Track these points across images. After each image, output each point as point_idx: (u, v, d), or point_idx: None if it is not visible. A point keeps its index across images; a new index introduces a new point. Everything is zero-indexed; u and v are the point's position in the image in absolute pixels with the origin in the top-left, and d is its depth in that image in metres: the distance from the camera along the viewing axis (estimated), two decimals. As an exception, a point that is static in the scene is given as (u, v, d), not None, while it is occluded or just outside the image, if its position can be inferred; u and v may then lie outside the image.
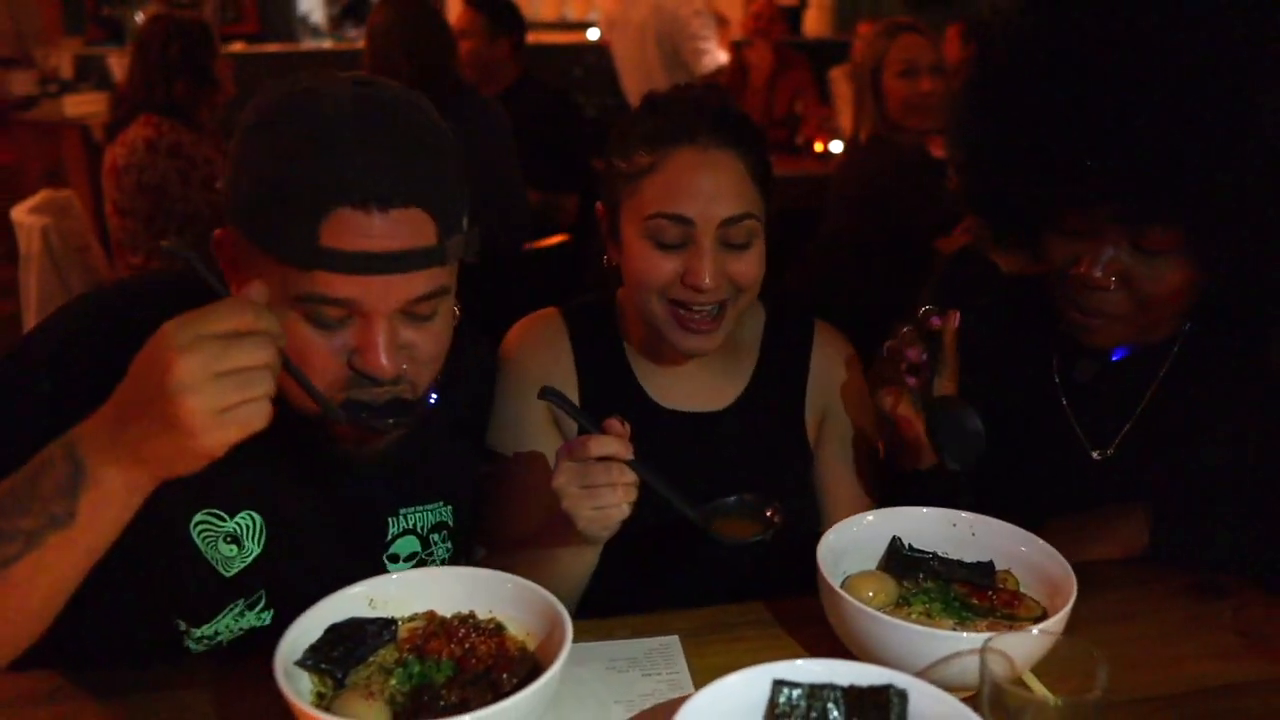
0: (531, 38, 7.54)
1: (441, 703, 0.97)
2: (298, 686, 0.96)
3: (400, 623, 1.08)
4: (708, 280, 1.26)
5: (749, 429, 1.46)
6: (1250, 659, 1.18)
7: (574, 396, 1.42)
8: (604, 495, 1.12)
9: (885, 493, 1.47)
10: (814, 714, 0.92)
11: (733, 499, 1.24)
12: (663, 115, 1.32)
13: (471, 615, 1.10)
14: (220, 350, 0.85)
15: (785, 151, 5.38)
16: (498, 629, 1.09)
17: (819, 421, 1.48)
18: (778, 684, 0.94)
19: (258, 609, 1.18)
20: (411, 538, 1.28)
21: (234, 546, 1.15)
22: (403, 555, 1.28)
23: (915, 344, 1.23)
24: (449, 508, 1.32)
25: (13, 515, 0.91)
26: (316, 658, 1.01)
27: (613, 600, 1.26)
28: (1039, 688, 0.98)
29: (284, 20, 8.13)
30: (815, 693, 0.93)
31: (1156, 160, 1.11)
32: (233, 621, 1.17)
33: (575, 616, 1.08)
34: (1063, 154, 1.17)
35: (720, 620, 1.25)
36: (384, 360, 1.02)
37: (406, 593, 1.10)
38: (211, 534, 1.14)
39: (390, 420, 1.07)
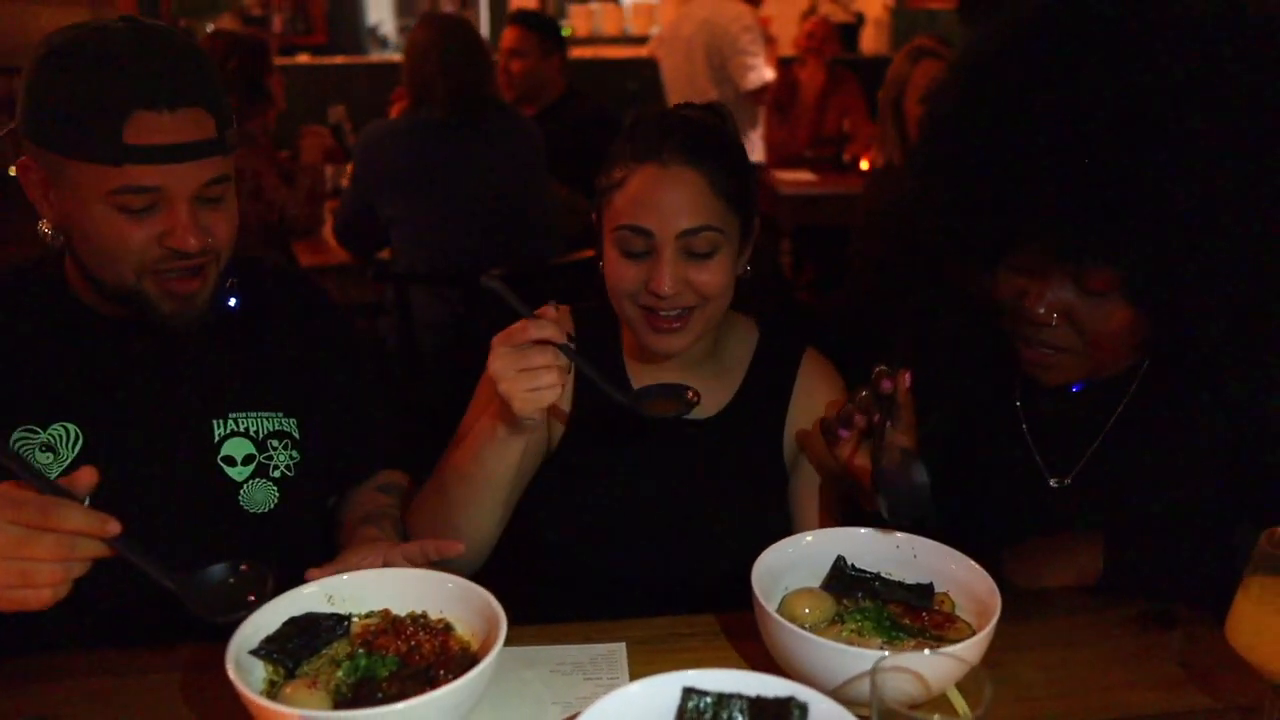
0: (591, 52, 7.64)
1: (380, 694, 1.03)
2: (250, 674, 1.04)
3: (356, 619, 1.16)
4: (667, 287, 1.34)
5: (731, 440, 1.51)
6: (1190, 691, 1.20)
7: (569, 392, 1.51)
8: (540, 376, 1.21)
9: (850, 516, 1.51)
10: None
11: (654, 385, 1.36)
12: (638, 134, 1.40)
13: (424, 615, 1.17)
14: (20, 538, 0.99)
15: (833, 169, 5.40)
16: (446, 629, 1.15)
17: (798, 444, 1.53)
18: (687, 691, 0.98)
19: None
20: (243, 440, 1.39)
21: (50, 455, 1.28)
22: (238, 458, 1.38)
23: (867, 409, 1.27)
24: (292, 420, 1.44)
25: None
26: (271, 647, 1.08)
27: (568, 610, 1.32)
28: (962, 706, 1.01)
29: (352, 32, 8.36)
30: (722, 701, 0.97)
31: (1092, 203, 1.14)
32: None
33: (530, 621, 1.14)
34: (1006, 194, 1.20)
35: (669, 631, 1.30)
36: (191, 239, 1.23)
37: (363, 591, 1.18)
38: (27, 447, 1.28)
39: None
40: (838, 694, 1.02)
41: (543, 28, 3.98)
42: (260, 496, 1.39)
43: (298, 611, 1.13)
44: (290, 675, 1.07)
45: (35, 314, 1.34)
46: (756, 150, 4.98)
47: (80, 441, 1.30)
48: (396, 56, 8.62)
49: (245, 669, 1.03)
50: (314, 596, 1.15)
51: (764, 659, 1.19)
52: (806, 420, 1.52)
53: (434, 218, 2.97)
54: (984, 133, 1.22)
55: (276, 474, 1.41)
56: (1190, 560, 1.30)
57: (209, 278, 1.30)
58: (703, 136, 1.40)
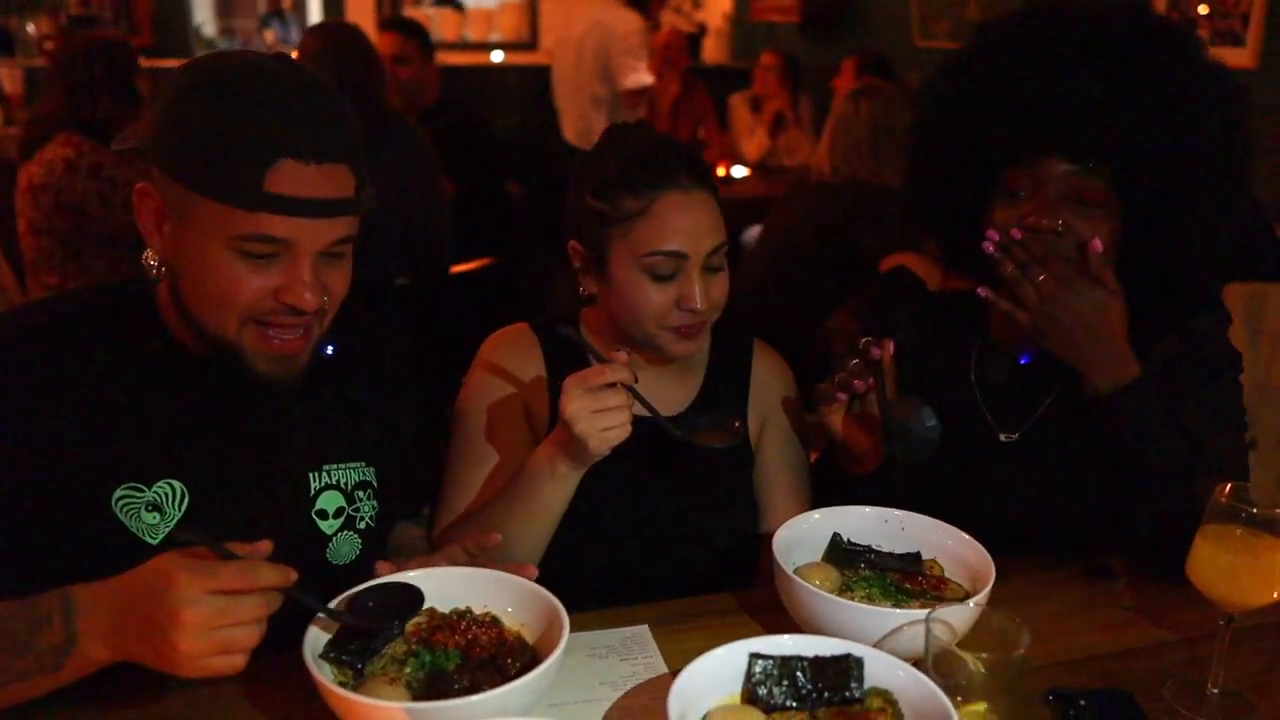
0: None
1: (455, 685, 1.08)
2: (323, 676, 1.07)
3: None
4: (701, 304, 1.43)
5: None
6: (1140, 629, 1.38)
7: (545, 403, 1.57)
8: (612, 417, 1.30)
9: (817, 492, 1.65)
10: (785, 681, 1.07)
11: (702, 417, 1.47)
12: (641, 161, 1.45)
13: (469, 610, 1.22)
14: (222, 607, 0.98)
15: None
16: (494, 622, 1.21)
17: (759, 429, 1.65)
18: (754, 656, 1.08)
19: None
20: (336, 493, 1.37)
21: (156, 514, 1.22)
22: (330, 511, 1.36)
23: (862, 375, 1.42)
24: (371, 469, 1.42)
25: (11, 654, 1.04)
26: (337, 650, 1.11)
27: (580, 599, 1.39)
28: (970, 657, 1.15)
29: (180, 33, 8.00)
30: (785, 663, 1.08)
31: (1096, 109, 1.37)
32: None
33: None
34: (1025, 106, 1.41)
35: (684, 611, 1.39)
36: (308, 295, 1.18)
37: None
38: (133, 505, 1.22)
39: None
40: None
41: (419, 33, 3.97)
42: (346, 549, 1.37)
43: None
44: (359, 675, 1.11)
45: (131, 354, 1.25)
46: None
47: (186, 499, 1.24)
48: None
49: (318, 671, 1.06)
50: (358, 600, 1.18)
51: (781, 629, 1.29)
52: (765, 405, 1.65)
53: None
54: (1020, 58, 1.44)
55: (362, 525, 1.39)
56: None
57: (312, 337, 1.25)
58: (700, 160, 1.50)
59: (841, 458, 1.52)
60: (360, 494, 1.40)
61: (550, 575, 1.55)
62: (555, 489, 1.38)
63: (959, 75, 1.54)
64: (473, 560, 1.29)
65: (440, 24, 8.82)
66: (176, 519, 1.23)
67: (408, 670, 1.12)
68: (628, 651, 1.29)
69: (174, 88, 1.16)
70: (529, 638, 1.19)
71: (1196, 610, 1.39)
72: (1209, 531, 1.18)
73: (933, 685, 1.02)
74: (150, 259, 1.22)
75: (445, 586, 1.23)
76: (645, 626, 1.34)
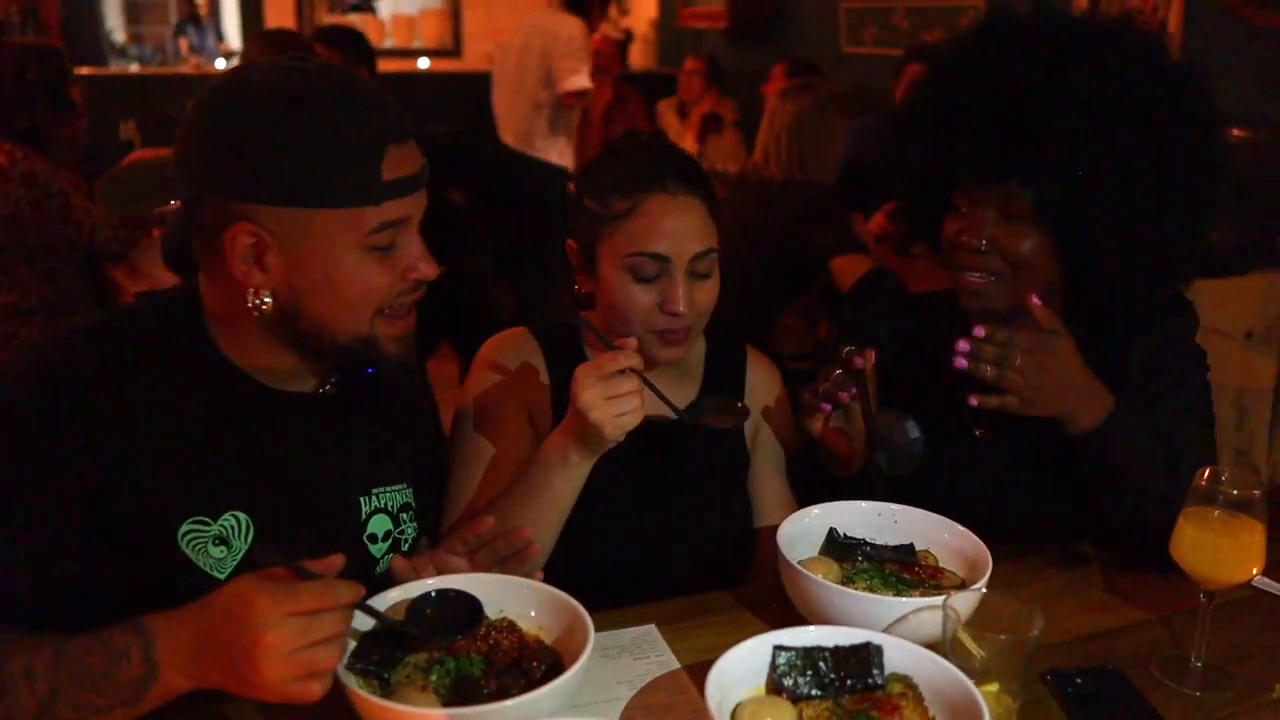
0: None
1: (484, 691, 1.09)
2: (357, 688, 1.06)
3: (425, 626, 1.20)
4: (682, 307, 1.45)
5: (700, 435, 1.62)
6: (1120, 610, 1.45)
7: (548, 406, 1.58)
8: (625, 402, 1.33)
9: (797, 492, 1.69)
10: (809, 671, 1.10)
11: (707, 400, 1.52)
12: (634, 164, 1.48)
13: (485, 616, 1.23)
14: (301, 628, 0.97)
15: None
16: (511, 626, 1.22)
17: (754, 431, 1.69)
18: (777, 648, 1.12)
19: None
20: (384, 516, 1.36)
21: (223, 548, 1.20)
22: (380, 535, 1.36)
23: (845, 386, 1.46)
24: (410, 490, 1.42)
25: (89, 691, 1.02)
26: (362, 662, 1.11)
27: (580, 599, 1.41)
28: (973, 645, 1.19)
29: (91, 40, 7.77)
30: (808, 653, 1.12)
31: (1008, 139, 1.46)
32: None
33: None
34: (951, 140, 1.51)
35: (687, 609, 1.41)
36: (425, 266, 1.23)
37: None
38: (200, 540, 1.20)
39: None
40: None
41: (348, 43, 3.92)
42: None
43: (368, 627, 1.16)
44: (385, 685, 1.11)
45: (188, 381, 1.22)
46: (567, 155, 5.16)
47: (251, 531, 1.22)
48: (137, 67, 8.12)
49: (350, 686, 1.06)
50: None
51: (786, 622, 1.32)
52: (759, 409, 1.68)
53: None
54: (944, 92, 1.55)
55: (405, 548, 1.38)
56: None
57: (415, 313, 1.28)
58: (693, 166, 1.52)
59: (824, 461, 1.57)
60: (404, 516, 1.39)
61: (552, 576, 1.57)
62: (567, 479, 1.40)
63: (909, 105, 1.66)
64: (473, 553, 1.29)
65: (362, 31, 8.72)
66: (243, 552, 1.21)
67: (434, 678, 1.12)
68: (639, 651, 1.31)
69: (237, 117, 1.13)
70: (547, 640, 1.20)
71: (1169, 591, 1.48)
72: (1190, 514, 1.25)
73: (952, 668, 1.07)
74: (258, 296, 1.17)
75: (459, 593, 1.23)
76: (652, 626, 1.36)
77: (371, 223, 1.16)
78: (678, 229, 1.45)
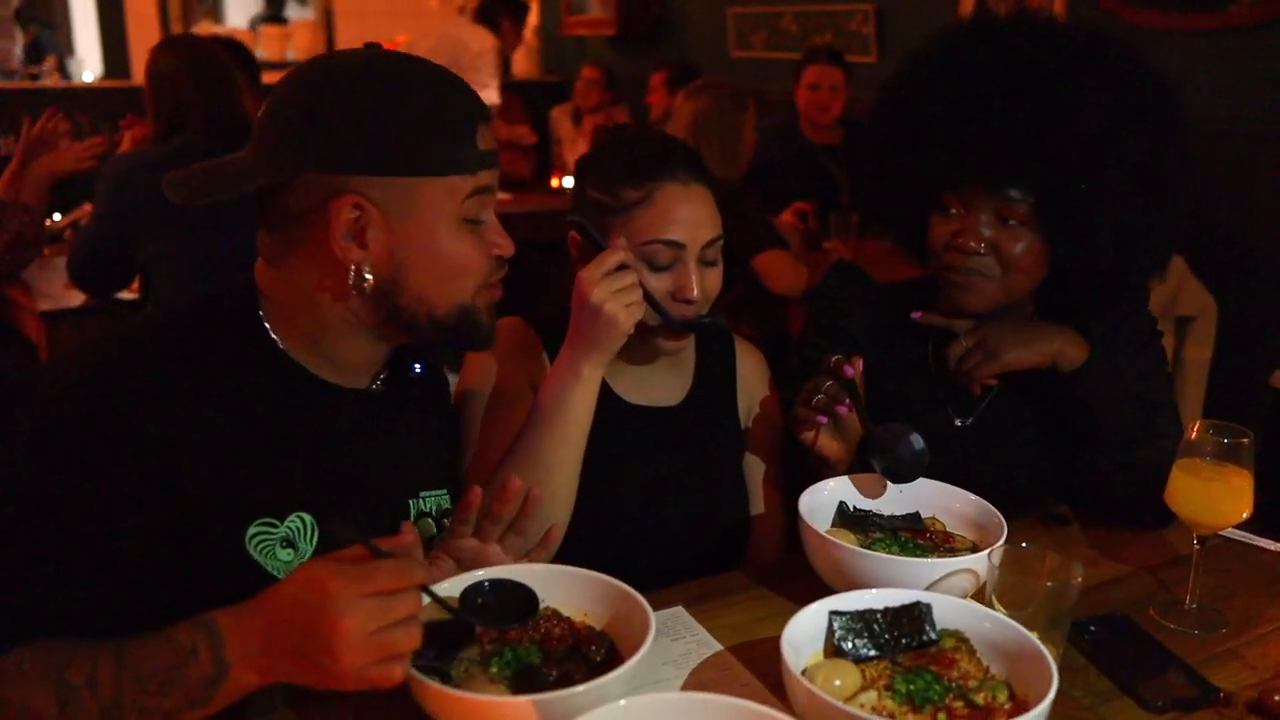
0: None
1: (550, 678, 1.09)
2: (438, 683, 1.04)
3: (469, 621, 1.18)
4: (696, 293, 1.47)
5: (697, 421, 1.67)
6: (1103, 565, 1.53)
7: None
8: (630, 293, 1.37)
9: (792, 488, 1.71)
10: (866, 633, 1.14)
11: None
12: (641, 154, 1.50)
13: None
14: (379, 609, 0.93)
15: (517, 188, 5.64)
16: (556, 614, 1.21)
17: (746, 419, 1.72)
18: (833, 613, 1.15)
19: None
20: (429, 521, 1.35)
21: (290, 550, 1.17)
22: (426, 538, 1.33)
23: (840, 397, 1.46)
24: (448, 495, 1.41)
25: (156, 694, 0.97)
26: (418, 661, 1.08)
27: None
28: (1000, 606, 1.25)
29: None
30: (862, 616, 1.15)
31: (1011, 145, 1.48)
32: None
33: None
34: (943, 140, 1.53)
35: (708, 591, 1.43)
36: (505, 241, 1.26)
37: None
38: (268, 543, 1.16)
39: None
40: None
41: (234, 53, 3.81)
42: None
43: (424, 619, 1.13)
44: (447, 679, 1.09)
45: (248, 378, 1.18)
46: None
47: (316, 534, 1.19)
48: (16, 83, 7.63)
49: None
50: (425, 609, 1.16)
51: (810, 595, 1.36)
52: (750, 399, 1.72)
53: (201, 251, 2.78)
54: (942, 95, 1.54)
55: None
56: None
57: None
58: (695, 155, 1.55)
59: (814, 465, 1.56)
60: (445, 522, 1.37)
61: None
62: (582, 395, 1.39)
63: (891, 105, 1.65)
64: (478, 530, 1.27)
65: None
66: (309, 555, 1.17)
67: (494, 669, 1.11)
68: (675, 632, 1.32)
69: (346, 97, 1.13)
70: (596, 625, 1.20)
71: (1149, 544, 1.58)
72: (1184, 465, 1.34)
73: (1004, 618, 1.12)
74: (362, 272, 1.15)
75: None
76: (680, 608, 1.37)
77: (468, 189, 1.18)
78: (691, 216, 1.47)
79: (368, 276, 1.15)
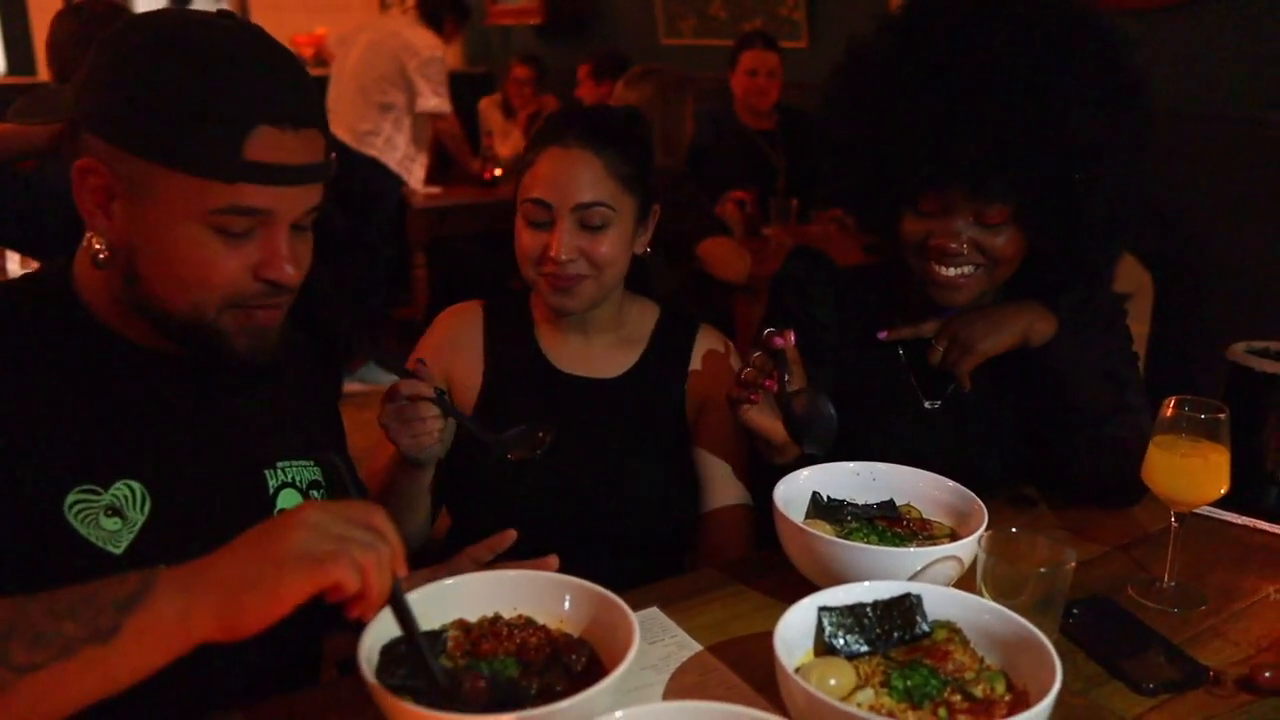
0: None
1: (531, 691, 1.02)
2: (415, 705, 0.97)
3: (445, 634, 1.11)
4: (562, 254, 1.52)
5: (633, 399, 1.65)
6: (1078, 545, 1.49)
7: (479, 367, 1.67)
8: (415, 427, 1.39)
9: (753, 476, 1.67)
10: (856, 629, 1.09)
11: (513, 430, 1.50)
12: (549, 123, 1.58)
13: (498, 616, 1.15)
14: (343, 519, 0.91)
15: (456, 183, 5.54)
16: (530, 622, 1.15)
17: (698, 408, 1.67)
18: (822, 610, 1.10)
19: None
20: (293, 491, 1.30)
21: (117, 519, 1.10)
22: None
23: (768, 370, 1.41)
24: (317, 468, 1.36)
25: (62, 618, 0.84)
26: (390, 678, 1.01)
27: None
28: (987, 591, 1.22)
29: None
30: (853, 611, 1.11)
31: (993, 150, 1.42)
32: None
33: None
34: (923, 148, 1.45)
35: (682, 590, 1.38)
36: (289, 269, 1.12)
37: (430, 607, 1.13)
38: (90, 511, 1.09)
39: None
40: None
41: None
42: None
43: (384, 640, 1.07)
44: (421, 698, 1.02)
45: (63, 347, 1.13)
46: (409, 166, 5.06)
47: (148, 502, 1.12)
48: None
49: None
50: (388, 621, 1.09)
51: (784, 590, 1.32)
52: (705, 386, 1.67)
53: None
54: (905, 100, 1.46)
55: None
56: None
57: (285, 311, 1.18)
58: (603, 125, 1.56)
59: (763, 451, 1.52)
60: (315, 493, 1.32)
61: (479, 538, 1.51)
62: (409, 479, 1.48)
63: (853, 105, 1.57)
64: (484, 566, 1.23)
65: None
66: (140, 524, 1.11)
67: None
68: (651, 634, 1.26)
69: (122, 53, 1.05)
70: (573, 631, 1.14)
71: (1119, 523, 1.58)
72: (1161, 441, 1.33)
73: (997, 606, 1.09)
74: (95, 243, 1.11)
75: (467, 596, 1.15)
76: (655, 608, 1.32)
77: (218, 201, 1.06)
78: (561, 179, 1.52)
79: (100, 247, 1.10)
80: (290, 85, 1.09)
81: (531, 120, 5.82)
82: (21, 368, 1.09)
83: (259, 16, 8.36)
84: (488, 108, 6.18)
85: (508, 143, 5.91)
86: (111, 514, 1.10)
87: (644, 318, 1.71)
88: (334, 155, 1.18)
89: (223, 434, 1.24)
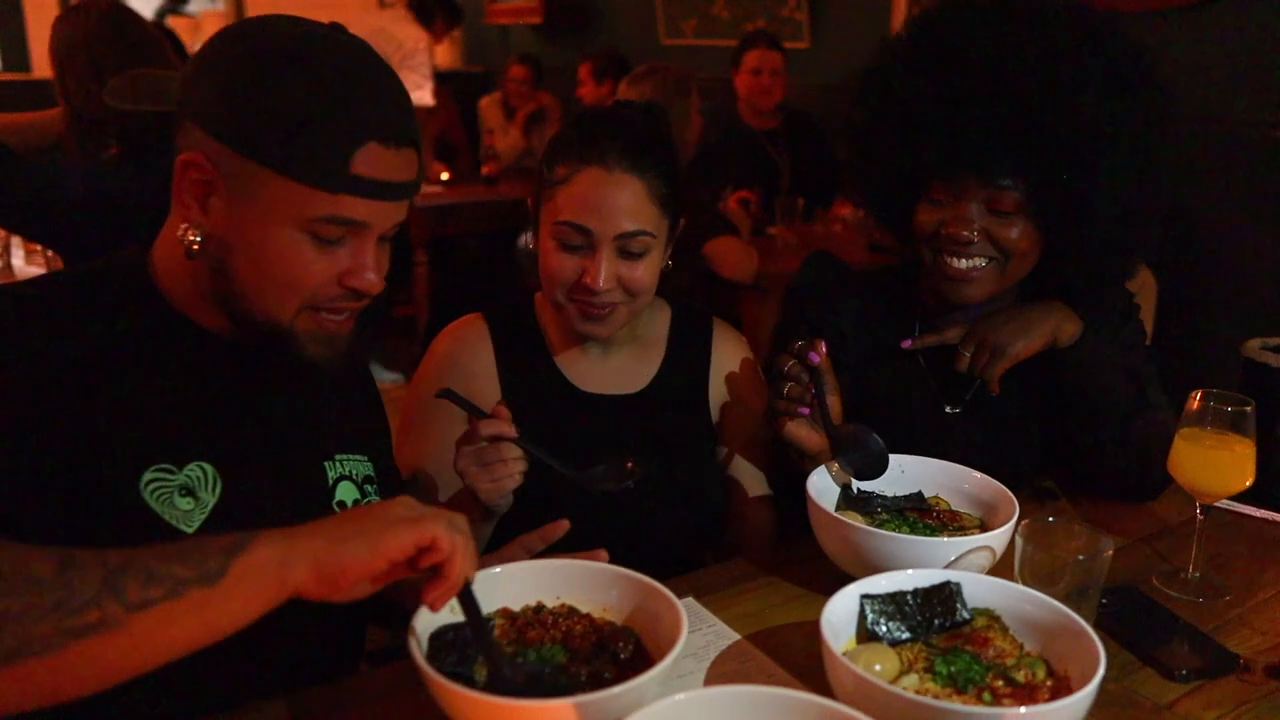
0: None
1: (580, 678, 1.04)
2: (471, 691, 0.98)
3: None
4: (601, 283, 1.45)
5: (660, 410, 1.63)
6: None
7: (496, 392, 1.57)
8: (497, 470, 1.34)
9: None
10: (898, 616, 1.11)
11: (600, 465, 1.43)
12: (584, 133, 1.48)
13: (541, 605, 1.17)
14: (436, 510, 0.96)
15: (457, 180, 5.54)
16: (573, 611, 1.16)
17: (721, 407, 1.68)
18: (865, 597, 1.12)
19: None
20: (350, 484, 1.32)
21: (190, 499, 1.13)
22: (349, 503, 1.31)
23: (805, 386, 1.43)
24: (370, 463, 1.38)
25: (173, 560, 0.86)
26: (442, 665, 1.03)
27: None
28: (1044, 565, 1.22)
29: None
30: (894, 599, 1.12)
31: (1001, 130, 1.45)
32: None
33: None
34: (933, 129, 1.49)
35: (716, 580, 1.39)
36: (374, 278, 1.16)
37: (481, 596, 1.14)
38: (165, 491, 1.12)
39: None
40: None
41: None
42: None
43: (432, 628, 1.08)
44: (473, 685, 1.03)
45: (142, 332, 1.15)
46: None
47: (219, 485, 1.15)
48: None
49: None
50: (440, 613, 1.10)
51: (817, 579, 1.35)
52: (727, 385, 1.68)
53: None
54: (930, 81, 1.49)
55: None
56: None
57: (355, 319, 1.21)
58: (645, 142, 1.49)
59: (795, 459, 1.52)
60: (369, 488, 1.34)
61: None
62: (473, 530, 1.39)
63: (874, 92, 1.60)
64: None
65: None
66: (211, 505, 1.13)
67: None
68: (691, 624, 1.25)
69: (238, 55, 1.08)
70: (616, 620, 1.16)
71: (1137, 517, 1.60)
72: (1187, 434, 1.35)
73: (1037, 593, 1.11)
74: (190, 235, 1.12)
75: (511, 585, 1.17)
76: (691, 598, 1.34)
77: (320, 210, 1.09)
78: (606, 205, 1.44)
79: (194, 239, 1.12)
80: (397, 105, 1.12)
81: (531, 119, 5.84)
82: (100, 351, 1.11)
83: (254, 14, 8.37)
84: (488, 106, 6.19)
85: (508, 140, 5.92)
86: (185, 494, 1.13)
87: (657, 318, 1.68)
88: (422, 173, 1.20)
89: (287, 423, 1.26)
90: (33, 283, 1.17)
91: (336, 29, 1.14)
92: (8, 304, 1.11)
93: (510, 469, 1.33)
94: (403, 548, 0.90)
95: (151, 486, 1.10)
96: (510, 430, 1.33)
